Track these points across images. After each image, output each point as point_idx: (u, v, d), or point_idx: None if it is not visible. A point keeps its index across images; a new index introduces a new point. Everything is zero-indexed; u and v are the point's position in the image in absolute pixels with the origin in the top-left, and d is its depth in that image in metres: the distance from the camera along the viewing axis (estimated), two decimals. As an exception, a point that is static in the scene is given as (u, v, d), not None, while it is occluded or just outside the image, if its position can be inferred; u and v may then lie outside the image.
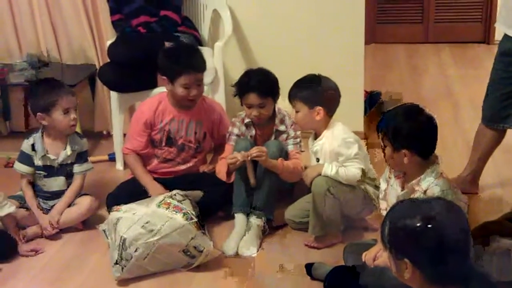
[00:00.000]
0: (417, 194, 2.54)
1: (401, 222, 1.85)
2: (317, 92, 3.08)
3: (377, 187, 3.11)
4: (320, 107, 3.07)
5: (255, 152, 3.15)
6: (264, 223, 3.25)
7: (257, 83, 3.27)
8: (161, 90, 3.72)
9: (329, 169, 3.04)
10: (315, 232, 3.14)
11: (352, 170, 3.03)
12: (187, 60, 3.34)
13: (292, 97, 3.16)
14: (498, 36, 6.25)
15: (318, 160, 3.17)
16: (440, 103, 4.80)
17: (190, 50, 3.47)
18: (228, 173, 3.32)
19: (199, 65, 3.37)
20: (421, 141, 2.54)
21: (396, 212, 1.92)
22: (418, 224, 1.81)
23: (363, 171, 3.05)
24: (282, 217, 3.34)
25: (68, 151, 3.35)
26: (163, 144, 3.46)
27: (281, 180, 3.29)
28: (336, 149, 3.05)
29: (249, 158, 3.16)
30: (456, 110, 4.81)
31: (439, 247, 1.79)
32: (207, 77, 3.77)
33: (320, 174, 3.06)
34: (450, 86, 5.41)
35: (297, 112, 3.14)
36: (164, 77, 3.34)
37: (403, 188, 2.65)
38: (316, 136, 3.17)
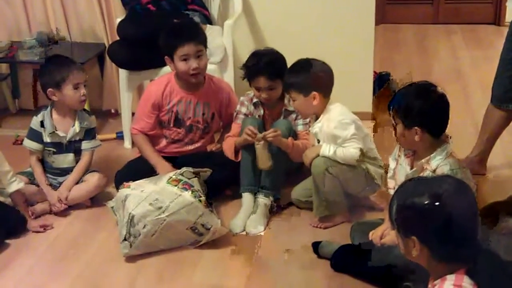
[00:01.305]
0: (426, 173, 2.53)
1: (409, 199, 1.85)
2: (309, 77, 3.05)
3: (380, 166, 3.13)
4: (315, 92, 3.05)
5: (272, 134, 3.15)
6: (271, 202, 3.26)
7: (266, 66, 3.26)
8: (170, 68, 3.72)
9: (327, 150, 3.03)
10: (319, 212, 3.15)
11: (350, 151, 3.01)
12: (182, 32, 3.32)
13: (285, 87, 3.16)
14: (508, 17, 6.24)
15: (319, 141, 3.18)
16: (450, 84, 4.75)
17: (186, 24, 3.46)
18: (236, 151, 3.33)
19: (195, 36, 3.33)
20: (433, 118, 2.53)
21: (405, 190, 1.92)
22: (426, 202, 1.81)
23: (361, 151, 3.04)
24: (289, 196, 3.35)
25: (77, 128, 3.36)
26: (171, 125, 3.46)
27: (289, 160, 3.29)
28: (333, 131, 3.04)
29: (263, 140, 3.15)
30: (465, 91, 4.79)
31: (448, 224, 1.79)
32: (216, 56, 3.77)
33: (318, 155, 3.06)
34: (460, 67, 5.39)
35: (293, 100, 3.13)
36: (167, 57, 3.34)
37: (412, 167, 2.65)
38: (317, 118, 3.17)
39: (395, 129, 2.62)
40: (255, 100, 3.42)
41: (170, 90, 3.41)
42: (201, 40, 3.35)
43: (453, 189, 1.84)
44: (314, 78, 3.05)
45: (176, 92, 3.41)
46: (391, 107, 2.61)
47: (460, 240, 1.82)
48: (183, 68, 3.29)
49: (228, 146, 3.39)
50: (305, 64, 3.10)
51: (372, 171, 3.11)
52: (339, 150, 3.02)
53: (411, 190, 1.89)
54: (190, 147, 3.53)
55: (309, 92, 3.05)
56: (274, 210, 3.28)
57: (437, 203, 1.79)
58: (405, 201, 1.87)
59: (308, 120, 3.36)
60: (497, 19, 6.45)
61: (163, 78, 3.51)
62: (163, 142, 3.51)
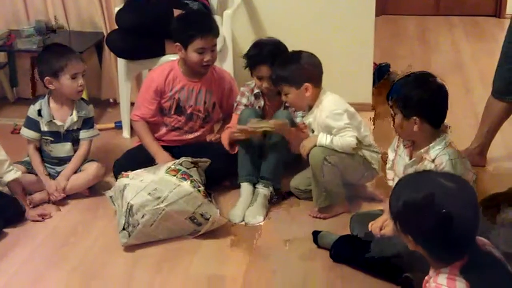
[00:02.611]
0: (425, 163, 2.53)
1: (406, 200, 1.85)
2: (300, 69, 3.06)
3: (375, 152, 3.14)
4: (307, 83, 3.05)
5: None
6: (271, 192, 3.24)
7: (268, 55, 3.25)
8: (169, 58, 3.71)
9: (324, 139, 3.03)
10: (319, 203, 3.14)
11: (346, 139, 3.02)
12: (202, 23, 3.31)
13: (276, 82, 3.15)
14: (509, 9, 6.22)
15: (313, 131, 3.17)
16: (450, 76, 4.76)
17: (203, 15, 3.45)
18: (231, 144, 3.32)
19: (214, 29, 3.34)
20: (431, 108, 2.52)
21: (404, 188, 1.92)
22: (421, 207, 1.80)
23: (357, 139, 3.03)
24: (288, 186, 3.34)
25: (75, 117, 3.34)
26: (172, 112, 3.44)
27: (288, 150, 3.28)
28: (326, 122, 3.04)
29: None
30: (466, 83, 4.79)
31: (442, 229, 1.79)
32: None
33: (315, 145, 3.05)
34: (460, 59, 5.38)
35: (286, 95, 3.12)
36: (177, 44, 3.31)
37: (411, 158, 2.64)
38: (310, 109, 3.16)
39: (393, 119, 2.61)
40: (256, 91, 3.41)
41: (173, 77, 3.40)
42: (217, 33, 3.36)
43: (452, 194, 1.82)
44: (304, 69, 3.07)
45: (179, 79, 3.40)
46: (390, 97, 2.60)
47: (454, 245, 1.82)
48: (196, 59, 3.29)
49: (226, 137, 3.38)
50: (293, 57, 3.12)
51: (369, 156, 3.11)
52: (335, 139, 3.02)
53: (410, 191, 1.87)
54: (190, 136, 3.51)
55: (301, 84, 3.05)
56: (273, 201, 3.27)
57: (432, 210, 1.78)
58: (402, 202, 1.86)
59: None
60: (498, 11, 6.43)
61: (166, 65, 3.49)
62: (163, 129, 3.49)
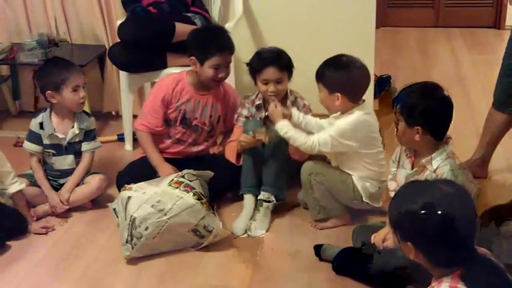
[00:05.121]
0: (427, 173, 2.53)
1: (404, 206, 1.87)
2: (339, 78, 2.97)
3: (379, 188, 3.10)
4: (339, 94, 2.97)
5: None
6: (274, 203, 3.24)
7: (275, 57, 3.26)
8: (171, 71, 3.72)
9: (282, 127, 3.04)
10: (314, 215, 3.16)
11: (300, 139, 3.00)
12: (221, 40, 3.34)
13: (317, 76, 3.08)
14: (508, 21, 6.24)
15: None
16: (450, 87, 4.66)
17: (222, 31, 3.43)
18: (237, 155, 3.33)
19: (231, 47, 3.37)
20: (435, 120, 2.53)
21: (402, 196, 1.93)
22: (420, 211, 1.82)
23: (320, 145, 2.97)
24: (290, 197, 3.34)
25: (76, 129, 3.35)
26: (177, 123, 3.45)
27: (289, 160, 3.27)
28: (335, 123, 3.00)
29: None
30: (466, 95, 4.79)
31: (442, 234, 1.80)
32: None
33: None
34: (461, 70, 5.39)
35: (319, 92, 3.08)
36: (192, 58, 3.32)
37: (413, 167, 2.65)
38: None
39: (397, 126, 2.61)
40: (257, 102, 3.41)
41: (181, 88, 3.41)
42: (234, 50, 3.39)
43: (449, 198, 1.84)
44: (342, 80, 2.97)
45: (186, 91, 3.41)
46: (396, 104, 2.60)
47: (454, 249, 1.83)
48: (211, 74, 3.31)
49: (230, 150, 3.39)
50: (341, 62, 3.01)
51: (361, 188, 3.05)
52: (293, 132, 3.02)
53: (408, 198, 1.89)
54: (193, 149, 3.52)
55: (334, 91, 2.98)
56: (275, 206, 3.25)
57: (430, 214, 1.80)
58: (401, 208, 1.88)
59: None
60: (497, 23, 6.45)
61: (175, 75, 3.51)
62: (167, 141, 3.50)
